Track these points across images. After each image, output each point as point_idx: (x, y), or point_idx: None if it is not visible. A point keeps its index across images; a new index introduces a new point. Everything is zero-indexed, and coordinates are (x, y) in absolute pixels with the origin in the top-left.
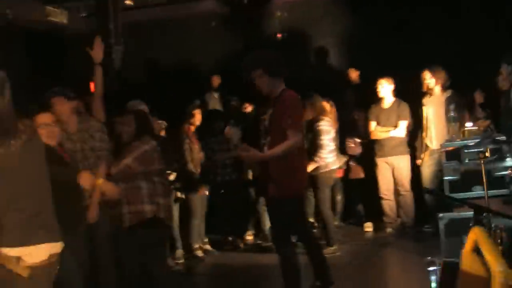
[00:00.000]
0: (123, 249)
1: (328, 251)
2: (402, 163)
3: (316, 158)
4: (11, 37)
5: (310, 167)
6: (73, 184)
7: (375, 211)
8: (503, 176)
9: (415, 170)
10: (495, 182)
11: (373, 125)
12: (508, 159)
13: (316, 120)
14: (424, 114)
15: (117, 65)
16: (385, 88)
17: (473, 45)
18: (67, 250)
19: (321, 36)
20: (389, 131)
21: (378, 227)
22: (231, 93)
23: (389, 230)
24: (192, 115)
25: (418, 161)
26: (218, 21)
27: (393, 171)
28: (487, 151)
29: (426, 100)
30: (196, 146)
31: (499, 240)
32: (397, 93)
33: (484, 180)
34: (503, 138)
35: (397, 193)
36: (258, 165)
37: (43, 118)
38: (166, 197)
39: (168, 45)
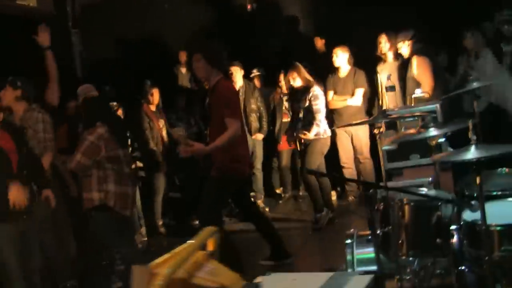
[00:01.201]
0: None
1: (319, 218)
2: (360, 132)
3: (316, 122)
4: None
5: (311, 133)
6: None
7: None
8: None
9: (374, 138)
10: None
11: (330, 94)
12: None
13: (308, 86)
14: (379, 81)
15: (77, 49)
16: (340, 57)
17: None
18: None
19: (291, 5)
20: (345, 99)
21: (341, 196)
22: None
23: (351, 198)
24: (149, 94)
25: (376, 130)
26: None
27: (352, 140)
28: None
29: (380, 67)
30: (158, 124)
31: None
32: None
33: None
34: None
35: (357, 161)
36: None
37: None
38: (118, 184)
39: (135, 21)
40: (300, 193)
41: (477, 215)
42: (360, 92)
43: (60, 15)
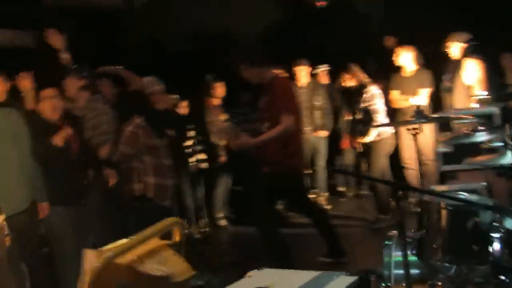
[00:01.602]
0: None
1: (380, 219)
2: (426, 131)
3: (375, 123)
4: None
5: (370, 136)
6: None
7: None
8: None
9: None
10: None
11: (394, 93)
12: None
13: (362, 86)
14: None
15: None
16: (403, 56)
17: None
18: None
19: (365, 3)
20: (408, 99)
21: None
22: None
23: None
24: (212, 88)
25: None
26: None
27: (416, 140)
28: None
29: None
30: (220, 118)
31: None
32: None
33: None
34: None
35: (420, 162)
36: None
37: (47, 92)
38: (157, 176)
39: (204, 14)
40: (365, 192)
41: None
42: (424, 92)
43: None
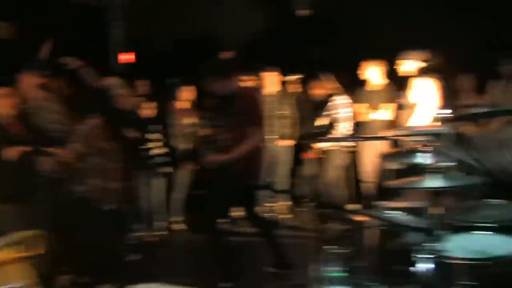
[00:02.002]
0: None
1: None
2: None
3: (335, 132)
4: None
5: (325, 144)
6: None
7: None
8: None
9: None
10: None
11: (359, 107)
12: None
13: (329, 96)
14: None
15: (117, 41)
16: (369, 71)
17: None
18: None
19: (348, 13)
20: (369, 113)
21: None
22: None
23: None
24: (178, 92)
25: None
26: None
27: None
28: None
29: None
30: (185, 122)
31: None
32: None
33: None
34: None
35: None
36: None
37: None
38: (103, 179)
39: (186, 18)
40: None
41: (447, 246)
42: (387, 107)
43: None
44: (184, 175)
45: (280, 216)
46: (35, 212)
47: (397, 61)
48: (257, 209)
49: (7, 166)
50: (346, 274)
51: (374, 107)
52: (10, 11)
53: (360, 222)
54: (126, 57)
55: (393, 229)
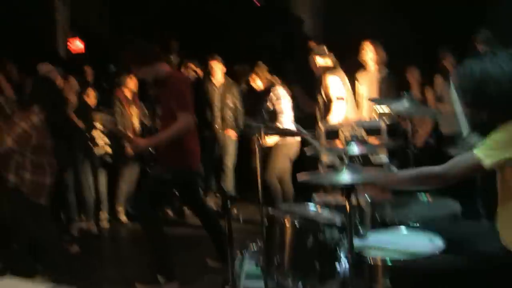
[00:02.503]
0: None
1: None
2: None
3: (279, 124)
4: None
5: (272, 137)
6: None
7: None
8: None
9: None
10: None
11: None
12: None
13: (269, 87)
14: (359, 91)
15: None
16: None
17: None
18: None
19: (300, 4)
20: None
21: None
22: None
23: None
24: (123, 80)
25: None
26: None
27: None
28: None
29: (360, 76)
30: (130, 111)
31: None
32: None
33: None
34: None
35: None
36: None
37: None
38: (35, 174)
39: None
40: None
41: (367, 243)
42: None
43: None
44: (129, 165)
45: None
46: None
47: (366, 50)
48: (201, 200)
49: None
50: (262, 270)
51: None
52: None
53: (280, 218)
54: (76, 45)
55: (311, 226)
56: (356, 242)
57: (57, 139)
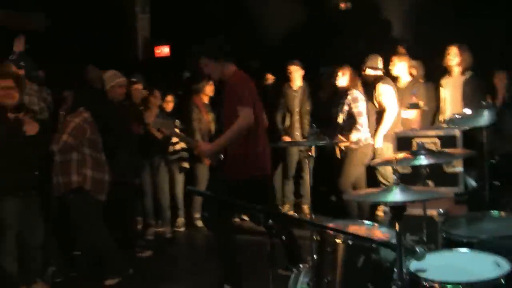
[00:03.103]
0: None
1: None
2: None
3: (357, 126)
4: None
5: (352, 137)
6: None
7: None
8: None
9: None
10: (447, 178)
11: None
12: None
13: (348, 89)
14: (442, 96)
15: (143, 34)
16: (397, 66)
17: None
18: None
19: (388, 7)
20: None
21: None
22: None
23: None
24: (202, 86)
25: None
26: None
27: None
28: None
29: (444, 81)
30: (206, 117)
31: None
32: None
33: None
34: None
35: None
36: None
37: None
38: (95, 170)
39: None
40: None
41: (423, 265)
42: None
43: None
44: (203, 171)
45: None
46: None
47: (451, 55)
48: (273, 206)
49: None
50: None
51: (402, 105)
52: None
53: (331, 236)
54: (162, 51)
55: (364, 245)
56: (413, 263)
57: (129, 144)
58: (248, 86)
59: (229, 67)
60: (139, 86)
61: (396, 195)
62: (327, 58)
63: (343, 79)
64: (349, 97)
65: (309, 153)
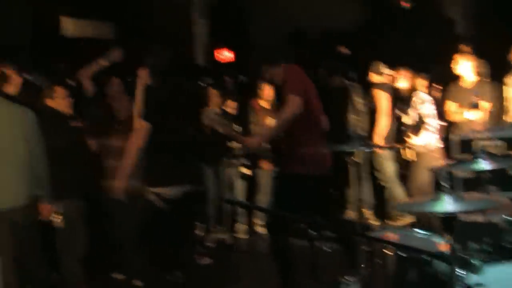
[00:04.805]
0: None
1: None
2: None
3: (426, 127)
4: None
5: (419, 137)
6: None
7: None
8: None
9: None
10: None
11: (450, 105)
12: None
13: (413, 90)
14: (507, 95)
15: (202, 39)
16: (462, 65)
17: None
18: None
19: (450, 4)
20: (462, 112)
21: None
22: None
23: None
24: (260, 90)
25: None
26: None
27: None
28: None
29: (509, 80)
30: (265, 121)
31: None
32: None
33: None
34: None
35: None
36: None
37: (61, 90)
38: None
39: (283, 13)
40: None
41: (484, 278)
42: (481, 106)
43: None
44: (265, 176)
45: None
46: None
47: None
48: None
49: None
50: None
51: (467, 106)
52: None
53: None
54: (225, 55)
55: (416, 256)
56: (472, 276)
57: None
58: (300, 78)
59: (285, 67)
60: (214, 92)
61: (447, 205)
62: (386, 57)
63: (402, 80)
64: (415, 99)
65: (353, 158)
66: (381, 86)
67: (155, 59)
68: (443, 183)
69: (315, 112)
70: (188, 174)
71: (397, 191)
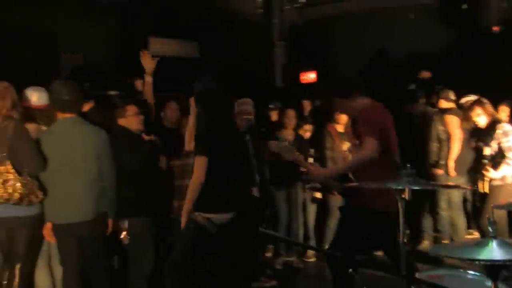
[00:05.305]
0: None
1: None
2: None
3: (507, 161)
4: None
5: (498, 171)
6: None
7: None
8: None
9: None
10: None
11: None
12: None
13: (495, 122)
14: None
15: (280, 61)
16: None
17: None
18: None
19: None
20: None
21: None
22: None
23: None
24: (336, 114)
25: None
26: (430, 14)
27: None
28: None
29: None
30: (340, 146)
31: None
32: None
33: None
34: None
35: None
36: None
37: (133, 108)
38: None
39: (366, 40)
40: None
41: None
42: None
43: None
44: (337, 201)
45: None
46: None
47: None
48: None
49: (148, 177)
50: None
51: None
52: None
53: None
54: (308, 77)
55: None
56: None
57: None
58: (377, 115)
59: (363, 100)
60: (291, 113)
61: (493, 251)
62: (477, 85)
63: (481, 117)
64: (498, 131)
65: (403, 195)
66: (451, 111)
67: (202, 86)
68: (490, 227)
69: (391, 148)
70: (237, 201)
71: (459, 222)
